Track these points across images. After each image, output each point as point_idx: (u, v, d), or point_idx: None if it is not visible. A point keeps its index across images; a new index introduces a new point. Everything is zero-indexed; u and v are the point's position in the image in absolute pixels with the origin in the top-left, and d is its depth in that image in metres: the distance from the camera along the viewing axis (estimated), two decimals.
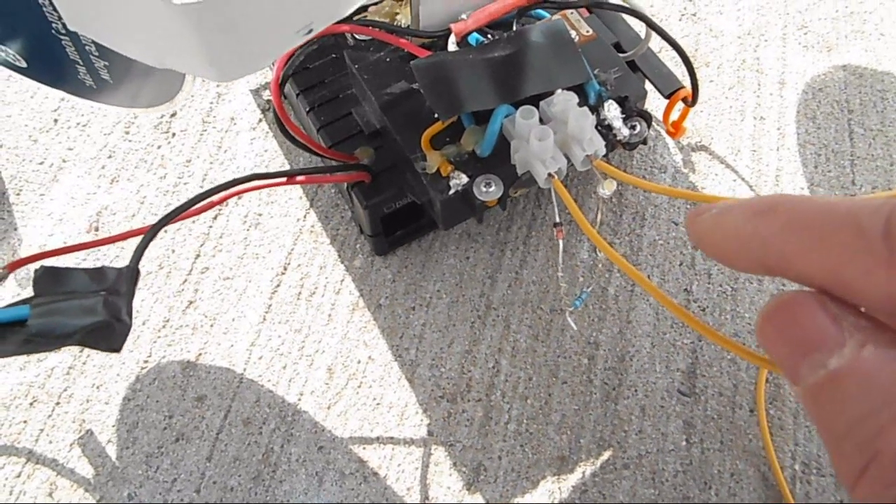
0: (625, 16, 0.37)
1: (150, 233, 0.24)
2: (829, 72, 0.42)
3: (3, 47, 0.28)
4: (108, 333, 0.22)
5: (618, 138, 0.31)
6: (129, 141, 0.40)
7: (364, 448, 0.32)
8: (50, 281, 0.23)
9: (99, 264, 0.31)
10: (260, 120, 0.41)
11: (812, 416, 0.13)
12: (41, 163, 0.40)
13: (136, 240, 0.25)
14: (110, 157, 0.40)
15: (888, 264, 0.12)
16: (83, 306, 0.22)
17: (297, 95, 0.36)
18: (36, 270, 0.23)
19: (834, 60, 0.42)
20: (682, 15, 0.44)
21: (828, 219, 0.13)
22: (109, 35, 0.23)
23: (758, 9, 0.44)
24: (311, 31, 0.23)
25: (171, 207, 0.28)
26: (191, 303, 0.35)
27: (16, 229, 0.37)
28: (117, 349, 0.22)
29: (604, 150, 0.30)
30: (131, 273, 0.23)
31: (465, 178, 0.30)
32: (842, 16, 0.44)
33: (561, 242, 0.31)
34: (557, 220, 0.30)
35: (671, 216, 0.37)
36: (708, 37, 0.43)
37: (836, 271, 0.13)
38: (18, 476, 0.31)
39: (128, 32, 0.22)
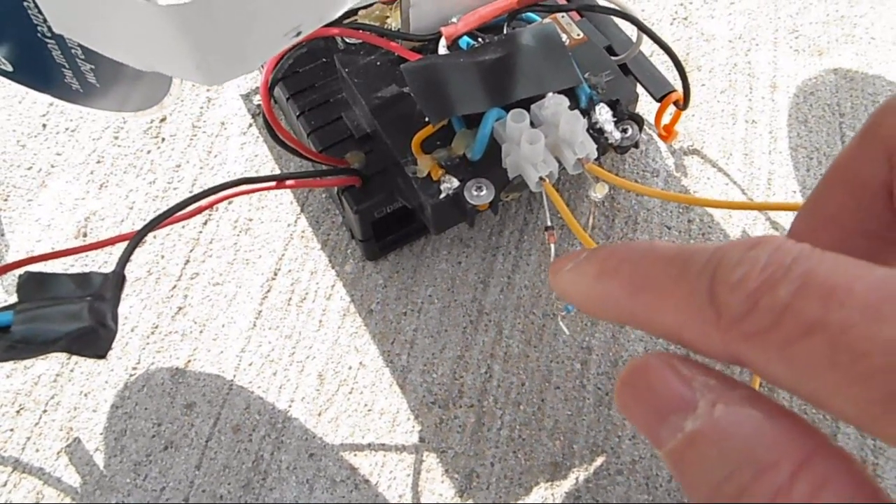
0: (616, 19, 0.37)
1: (137, 237, 0.24)
2: (820, 75, 0.42)
3: None
4: (94, 339, 0.22)
5: (609, 142, 0.31)
6: (119, 146, 0.40)
7: (355, 455, 0.31)
8: (34, 286, 0.22)
9: (86, 270, 0.31)
10: (250, 125, 0.40)
11: (677, 479, 0.13)
12: (29, 168, 0.39)
13: (125, 245, 0.25)
14: (99, 162, 0.39)
15: (719, 327, 0.12)
16: (68, 312, 0.22)
17: (287, 99, 0.35)
18: (20, 276, 0.23)
19: (825, 64, 0.42)
20: (674, 19, 0.44)
21: (663, 280, 0.13)
22: (95, 38, 0.23)
23: (749, 13, 0.44)
24: (299, 34, 0.23)
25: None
26: (180, 309, 0.35)
27: (3, 235, 0.37)
28: (103, 355, 0.22)
29: (595, 154, 0.29)
30: (117, 278, 0.23)
31: (455, 182, 0.30)
32: (832, 20, 0.44)
33: (553, 246, 0.30)
34: (549, 223, 0.30)
35: (663, 220, 0.37)
36: (699, 41, 0.43)
37: (679, 332, 0.13)
38: (4, 485, 0.31)
39: (113, 35, 0.22)
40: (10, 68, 0.28)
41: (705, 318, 0.12)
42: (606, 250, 0.15)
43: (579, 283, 0.15)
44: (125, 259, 0.24)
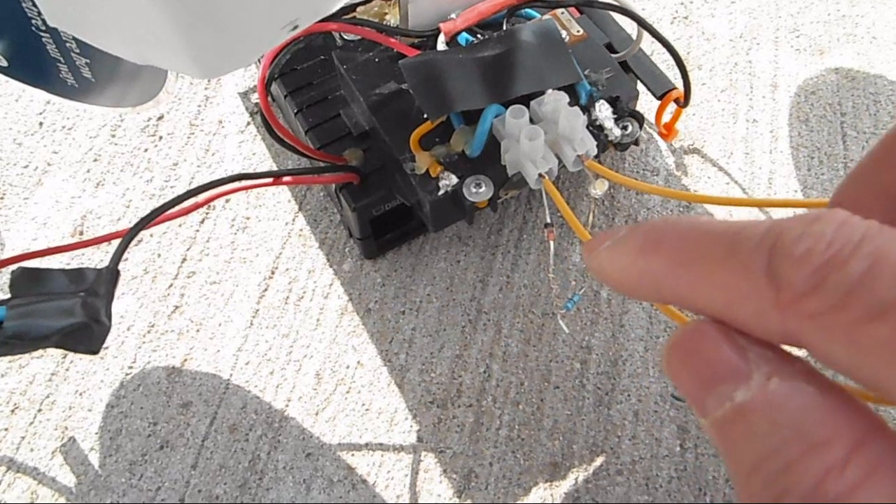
0: (616, 16, 0.37)
1: (131, 233, 0.24)
2: (821, 75, 0.42)
3: None
4: (87, 335, 0.21)
5: (609, 139, 0.31)
6: (116, 144, 0.40)
7: (353, 455, 0.31)
8: (28, 282, 0.22)
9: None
10: (248, 123, 0.40)
11: (720, 450, 0.12)
12: (26, 166, 0.39)
13: (120, 241, 0.25)
14: (96, 160, 0.39)
15: (778, 305, 0.11)
16: (61, 308, 0.21)
17: (286, 97, 0.35)
18: (13, 271, 0.22)
19: (826, 63, 0.42)
20: (675, 18, 0.44)
21: (712, 255, 0.12)
22: (89, 31, 0.22)
23: (750, 12, 0.44)
24: (296, 28, 0.23)
25: None
26: (177, 307, 0.35)
27: None
28: (95, 351, 0.22)
29: (595, 151, 0.29)
30: (111, 274, 0.23)
31: (454, 179, 0.30)
32: (834, 19, 0.44)
33: (552, 244, 0.30)
34: (548, 221, 0.29)
35: None
36: (700, 39, 0.43)
37: (729, 310, 0.12)
38: None
39: (108, 27, 0.22)
40: (4, 63, 0.28)
41: (762, 294, 0.12)
42: (649, 225, 0.14)
43: (619, 260, 0.14)
44: (119, 255, 0.23)
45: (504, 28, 0.33)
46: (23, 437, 0.31)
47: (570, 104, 0.30)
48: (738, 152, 0.39)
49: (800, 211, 0.37)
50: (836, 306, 0.11)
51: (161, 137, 0.40)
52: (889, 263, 0.10)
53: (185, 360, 0.33)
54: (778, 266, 0.11)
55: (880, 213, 0.15)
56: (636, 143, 0.32)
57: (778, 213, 0.37)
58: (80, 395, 0.32)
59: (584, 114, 0.30)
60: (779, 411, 0.11)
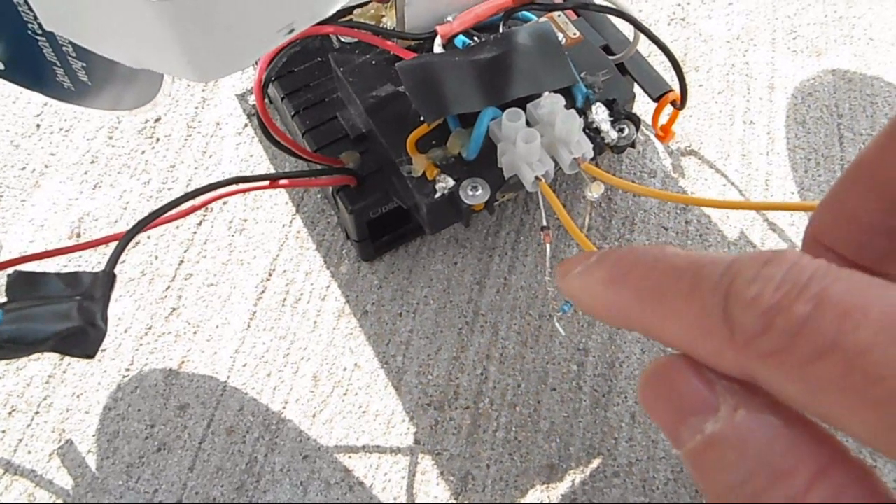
0: (613, 19, 0.37)
1: (128, 236, 0.24)
2: (818, 76, 0.42)
3: None
4: (83, 339, 0.21)
5: (606, 141, 0.31)
6: (113, 146, 0.40)
7: (350, 457, 0.31)
8: (24, 286, 0.22)
9: (78, 270, 0.31)
10: (245, 125, 0.40)
11: (695, 479, 0.13)
12: (23, 168, 0.39)
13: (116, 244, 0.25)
14: (93, 162, 0.39)
15: (733, 345, 0.12)
16: (57, 311, 0.21)
17: (282, 99, 0.35)
18: (9, 275, 0.22)
19: (823, 65, 0.42)
20: (671, 19, 0.44)
21: (675, 291, 0.13)
22: (86, 34, 0.22)
23: (747, 13, 0.44)
24: (292, 31, 0.23)
25: None
26: (174, 310, 0.35)
27: None
28: (92, 355, 0.22)
29: (591, 153, 0.29)
30: (107, 277, 0.23)
31: (451, 182, 0.30)
32: (830, 20, 0.44)
33: (549, 246, 0.30)
34: (545, 223, 0.29)
35: (661, 221, 0.36)
36: (697, 41, 0.43)
37: (691, 346, 0.13)
38: None
39: (104, 31, 0.22)
40: (1, 67, 0.28)
41: (718, 334, 0.12)
42: (616, 255, 0.14)
43: (588, 288, 0.15)
44: (115, 258, 0.23)
45: (500, 31, 0.33)
46: (20, 440, 0.31)
47: (567, 107, 0.30)
48: (735, 154, 0.39)
49: (797, 214, 0.37)
50: (784, 347, 0.11)
51: (158, 139, 0.40)
52: (832, 304, 0.11)
53: (183, 362, 0.33)
54: (732, 308, 0.12)
55: (849, 239, 0.15)
56: (633, 145, 0.32)
57: (773, 216, 0.37)
58: (78, 397, 0.32)
59: (580, 116, 0.30)
60: (745, 442, 0.12)
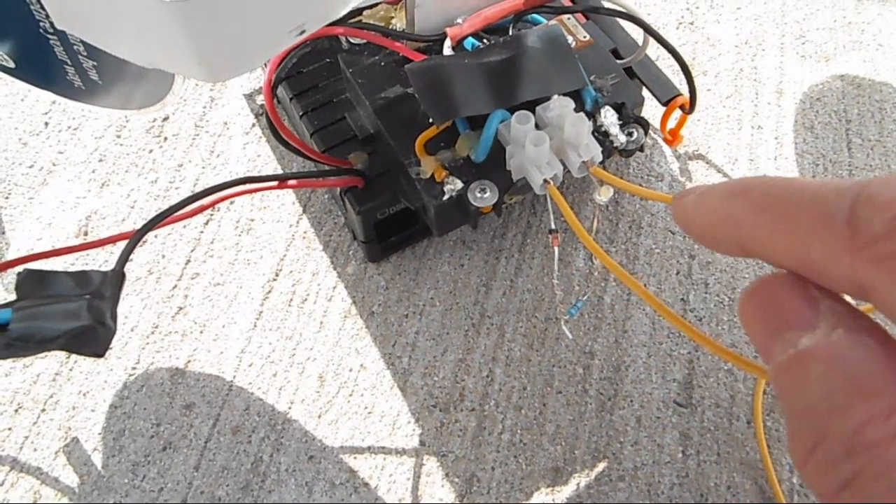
0: (622, 22, 0.37)
1: (137, 235, 0.24)
2: (826, 82, 0.42)
3: None
4: (92, 338, 0.21)
5: (614, 145, 0.31)
6: (121, 145, 0.40)
7: (355, 458, 0.31)
8: (33, 284, 0.22)
9: (87, 269, 0.31)
10: (253, 125, 0.40)
11: (777, 394, 0.13)
12: (31, 166, 0.39)
13: (125, 244, 0.25)
14: (101, 160, 0.39)
15: (851, 249, 0.12)
16: (66, 310, 0.21)
17: (291, 99, 0.35)
18: (19, 273, 0.22)
19: (832, 70, 0.42)
20: (680, 23, 0.44)
21: (796, 201, 0.13)
22: (97, 34, 0.22)
23: (755, 18, 0.44)
24: (303, 32, 0.23)
25: None
26: (180, 309, 0.35)
27: (3, 233, 0.37)
28: (101, 354, 0.22)
29: (600, 157, 0.29)
30: (116, 277, 0.23)
31: (459, 184, 0.30)
32: (839, 26, 0.44)
33: (556, 250, 0.30)
34: (553, 226, 0.29)
35: (668, 225, 0.36)
36: (705, 45, 0.43)
37: (803, 253, 0.13)
38: (2, 484, 0.30)
39: (116, 31, 0.22)
40: (11, 65, 0.28)
41: (837, 236, 0.12)
42: (738, 179, 0.15)
43: (705, 203, 0.15)
44: (125, 257, 0.23)
45: (510, 33, 0.33)
46: (26, 437, 0.32)
47: (576, 110, 0.30)
48: (743, 159, 0.39)
49: None
50: None
51: (166, 138, 0.40)
52: None
53: (189, 361, 0.33)
54: (860, 210, 0.12)
55: None
56: (641, 149, 0.32)
57: None
58: (84, 395, 0.32)
59: (589, 120, 0.30)
60: (836, 360, 0.12)
